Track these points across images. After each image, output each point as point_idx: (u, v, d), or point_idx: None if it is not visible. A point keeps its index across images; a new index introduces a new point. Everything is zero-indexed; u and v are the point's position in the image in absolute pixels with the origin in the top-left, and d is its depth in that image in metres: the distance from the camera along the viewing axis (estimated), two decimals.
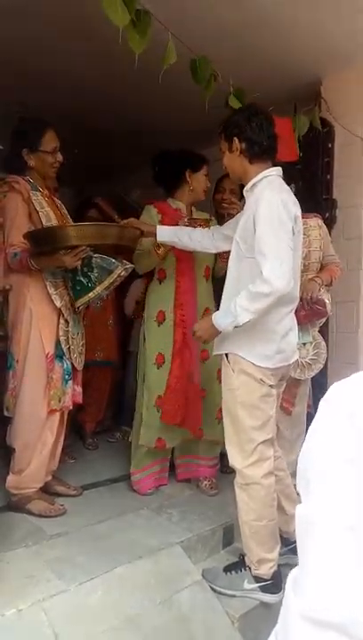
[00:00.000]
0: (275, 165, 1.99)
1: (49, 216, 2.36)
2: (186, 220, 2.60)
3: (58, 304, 2.34)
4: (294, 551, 2.09)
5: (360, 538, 0.48)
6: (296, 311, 2.05)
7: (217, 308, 2.74)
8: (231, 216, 2.39)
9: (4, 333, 2.46)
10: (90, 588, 1.79)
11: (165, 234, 2.36)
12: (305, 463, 0.56)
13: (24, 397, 2.31)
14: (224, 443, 2.05)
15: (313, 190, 3.10)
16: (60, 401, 2.33)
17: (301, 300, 2.41)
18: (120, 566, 1.91)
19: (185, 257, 2.57)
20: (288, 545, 2.09)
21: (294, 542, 2.06)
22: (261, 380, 1.88)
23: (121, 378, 3.64)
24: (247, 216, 1.89)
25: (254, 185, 1.93)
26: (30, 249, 2.25)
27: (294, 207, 1.88)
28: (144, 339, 2.65)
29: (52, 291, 2.33)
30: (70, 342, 2.38)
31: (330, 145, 3.24)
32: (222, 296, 2.02)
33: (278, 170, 1.96)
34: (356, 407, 0.53)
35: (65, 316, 2.37)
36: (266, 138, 1.93)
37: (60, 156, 2.40)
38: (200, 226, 2.52)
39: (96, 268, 2.29)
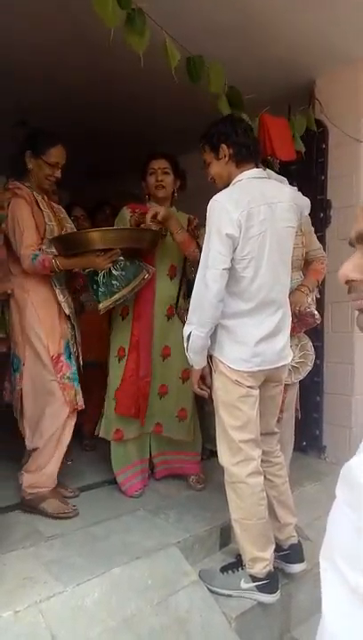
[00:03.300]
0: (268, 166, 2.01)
1: (50, 216, 2.41)
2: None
3: (67, 311, 2.39)
4: (285, 559, 2.11)
5: None
6: None
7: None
8: None
9: (5, 335, 2.47)
10: (87, 589, 1.79)
11: None
12: None
13: (40, 399, 2.33)
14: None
15: (307, 191, 3.11)
16: (77, 399, 2.36)
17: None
18: (117, 567, 1.91)
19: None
20: (279, 551, 2.11)
21: (287, 550, 2.05)
22: (236, 381, 1.90)
23: None
24: None
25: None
26: (58, 251, 2.30)
27: (241, 209, 1.80)
28: None
29: (60, 298, 2.37)
30: (77, 346, 2.44)
31: (324, 145, 3.26)
32: None
33: (254, 172, 1.95)
34: None
35: (72, 320, 2.42)
36: (252, 141, 2.00)
37: (58, 173, 2.42)
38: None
39: (124, 270, 2.35)
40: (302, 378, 2.55)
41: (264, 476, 2.04)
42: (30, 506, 2.33)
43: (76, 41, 2.70)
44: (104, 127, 3.92)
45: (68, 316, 2.41)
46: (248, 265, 1.85)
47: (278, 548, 2.10)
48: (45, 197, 2.49)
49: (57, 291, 2.37)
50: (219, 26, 2.62)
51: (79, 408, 2.40)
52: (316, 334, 3.09)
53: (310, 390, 3.21)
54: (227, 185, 1.97)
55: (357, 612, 0.58)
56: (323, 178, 3.27)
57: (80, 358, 2.50)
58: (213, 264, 1.81)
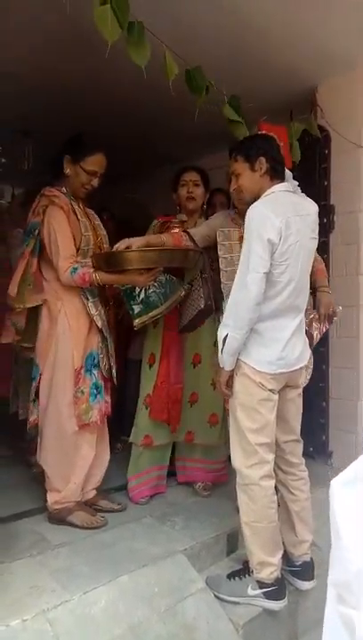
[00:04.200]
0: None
1: (86, 226, 2.37)
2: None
3: (99, 324, 2.36)
4: (296, 574, 2.12)
5: None
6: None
7: None
8: None
9: (31, 344, 2.42)
10: (94, 597, 1.79)
11: None
12: None
13: (52, 415, 2.30)
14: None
15: (311, 196, 3.13)
16: (89, 415, 2.32)
17: (322, 316, 2.43)
18: (124, 575, 1.92)
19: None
20: (291, 566, 2.12)
21: (299, 567, 2.06)
22: (260, 383, 1.93)
23: (121, 387, 3.61)
24: None
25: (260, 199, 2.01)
26: (98, 267, 2.28)
27: (281, 217, 1.86)
28: None
29: (93, 311, 2.34)
30: (109, 359, 2.43)
31: (327, 151, 3.26)
32: None
33: (285, 186, 2.01)
34: None
35: (104, 333, 2.40)
36: (283, 160, 2.08)
37: (95, 182, 2.39)
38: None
39: (163, 287, 2.38)
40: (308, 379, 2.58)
41: (288, 490, 2.10)
42: (57, 519, 2.32)
43: (77, 45, 2.71)
44: (108, 132, 3.93)
45: (101, 328, 2.38)
46: (285, 270, 1.90)
47: (290, 563, 2.12)
48: (81, 204, 2.44)
49: (89, 304, 2.33)
50: (220, 34, 2.63)
51: (95, 424, 2.34)
52: (321, 339, 3.08)
53: (316, 395, 3.20)
54: (254, 197, 2.02)
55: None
56: (326, 183, 3.27)
57: (113, 370, 2.47)
58: (254, 267, 1.85)
